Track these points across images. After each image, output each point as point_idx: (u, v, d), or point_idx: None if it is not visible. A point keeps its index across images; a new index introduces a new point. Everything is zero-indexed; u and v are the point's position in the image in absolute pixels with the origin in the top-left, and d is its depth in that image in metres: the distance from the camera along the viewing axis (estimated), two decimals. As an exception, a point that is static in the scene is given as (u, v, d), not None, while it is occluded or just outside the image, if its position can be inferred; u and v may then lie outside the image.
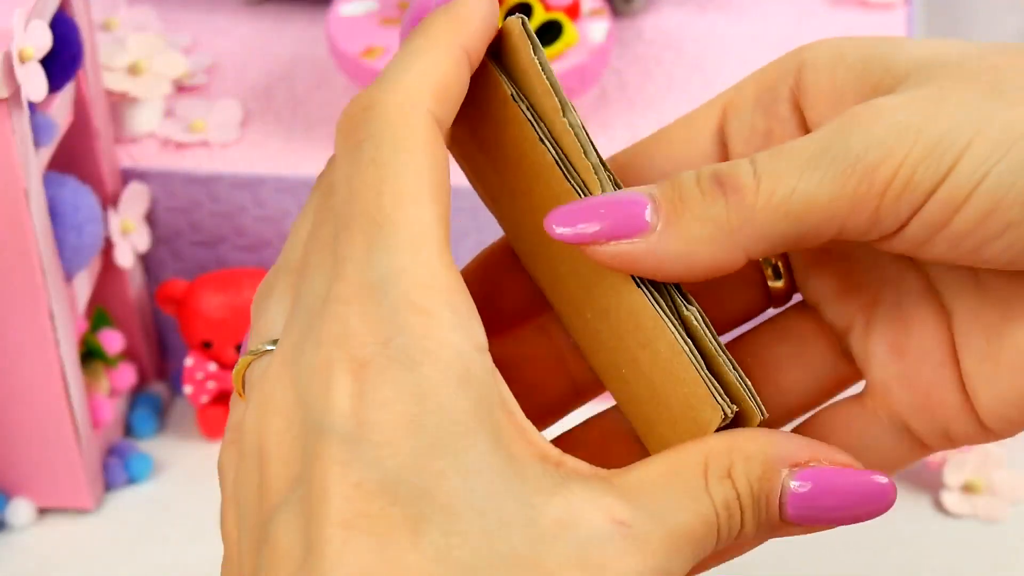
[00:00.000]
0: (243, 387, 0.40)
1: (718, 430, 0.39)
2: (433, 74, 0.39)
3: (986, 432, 0.41)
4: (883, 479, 0.39)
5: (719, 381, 0.39)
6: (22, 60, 0.57)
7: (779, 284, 0.44)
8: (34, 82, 0.58)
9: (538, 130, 0.40)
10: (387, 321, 0.36)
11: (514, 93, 0.40)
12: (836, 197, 0.37)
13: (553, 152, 0.40)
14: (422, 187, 0.37)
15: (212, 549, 0.67)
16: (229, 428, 0.40)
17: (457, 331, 0.36)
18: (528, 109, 0.40)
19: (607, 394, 0.43)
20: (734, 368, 0.39)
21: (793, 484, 0.38)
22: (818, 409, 0.43)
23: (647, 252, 0.38)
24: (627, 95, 0.72)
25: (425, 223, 0.37)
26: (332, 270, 0.37)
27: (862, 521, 0.39)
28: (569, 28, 0.68)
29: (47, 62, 0.59)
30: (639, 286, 0.39)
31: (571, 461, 0.38)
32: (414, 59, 0.39)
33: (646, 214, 0.38)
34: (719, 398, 0.38)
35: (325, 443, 0.35)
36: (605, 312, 0.40)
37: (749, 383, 0.39)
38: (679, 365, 0.39)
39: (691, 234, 0.38)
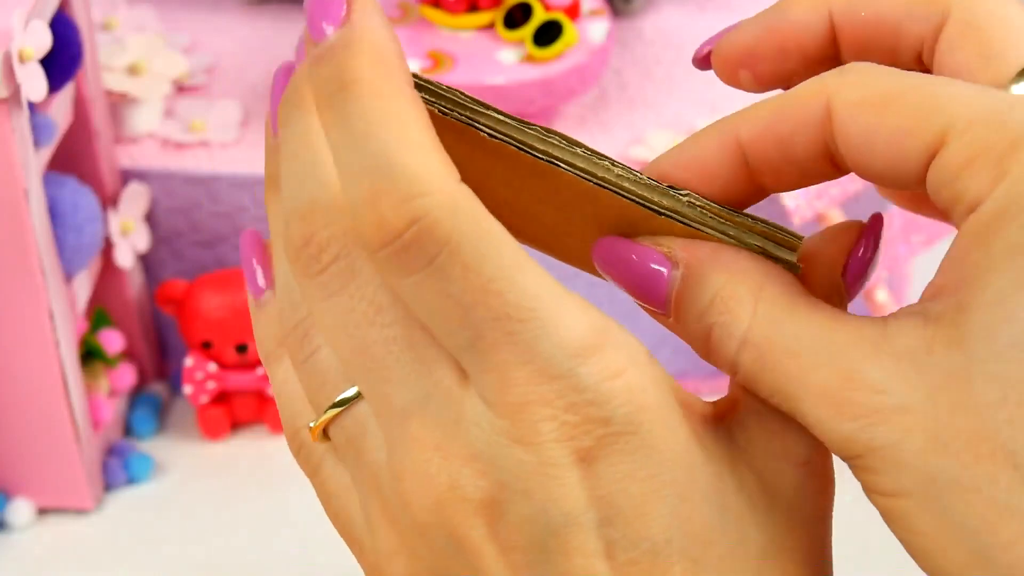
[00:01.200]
0: (325, 436, 0.38)
1: None
2: (431, 142, 0.35)
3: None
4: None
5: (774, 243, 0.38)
6: (22, 60, 0.57)
7: None
8: (34, 82, 0.58)
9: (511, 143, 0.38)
10: (594, 403, 0.35)
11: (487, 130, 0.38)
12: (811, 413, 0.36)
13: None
14: (524, 259, 0.35)
15: (211, 549, 0.67)
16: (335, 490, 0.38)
17: (636, 365, 0.36)
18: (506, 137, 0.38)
19: None
20: (761, 222, 0.38)
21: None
22: None
23: (670, 324, 0.38)
24: (627, 95, 0.72)
25: (552, 290, 0.35)
26: (492, 378, 0.35)
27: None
28: (569, 28, 0.68)
29: (47, 62, 0.59)
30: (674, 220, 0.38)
31: (719, 405, 0.38)
32: (397, 131, 0.35)
33: (664, 296, 0.38)
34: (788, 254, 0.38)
35: (573, 538, 0.35)
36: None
37: (772, 222, 0.38)
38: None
39: (690, 336, 0.38)
